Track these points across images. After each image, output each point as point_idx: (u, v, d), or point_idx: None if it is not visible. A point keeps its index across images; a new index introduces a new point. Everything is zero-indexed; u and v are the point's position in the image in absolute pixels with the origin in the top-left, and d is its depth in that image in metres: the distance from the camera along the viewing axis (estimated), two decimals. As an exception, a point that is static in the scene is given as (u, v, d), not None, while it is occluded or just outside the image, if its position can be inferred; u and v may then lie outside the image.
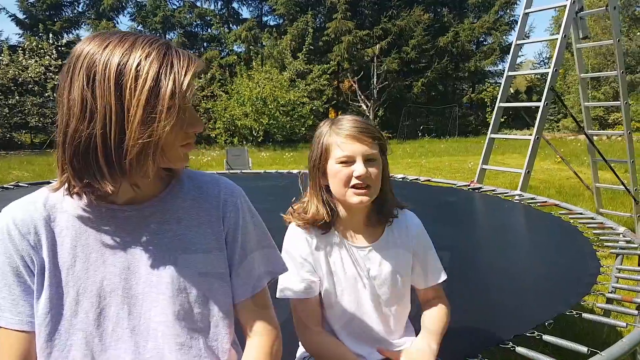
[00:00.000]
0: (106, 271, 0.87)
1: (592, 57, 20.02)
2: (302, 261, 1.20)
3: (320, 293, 1.22)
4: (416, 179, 4.90)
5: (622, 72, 4.22)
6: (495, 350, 1.46)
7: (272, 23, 24.37)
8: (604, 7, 4.22)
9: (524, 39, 4.59)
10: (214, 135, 17.53)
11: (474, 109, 24.37)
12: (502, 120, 22.27)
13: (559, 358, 1.29)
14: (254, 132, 17.18)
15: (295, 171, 5.41)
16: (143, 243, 0.89)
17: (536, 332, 1.50)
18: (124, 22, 42.67)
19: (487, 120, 20.85)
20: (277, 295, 1.20)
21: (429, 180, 4.83)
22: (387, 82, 21.23)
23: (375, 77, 21.17)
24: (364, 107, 21.31)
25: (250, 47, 19.95)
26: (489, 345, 1.47)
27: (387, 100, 21.69)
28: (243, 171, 6.22)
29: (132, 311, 0.88)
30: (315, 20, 22.37)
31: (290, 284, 1.19)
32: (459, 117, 22.33)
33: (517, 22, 21.18)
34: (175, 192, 0.94)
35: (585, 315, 1.62)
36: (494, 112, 4.51)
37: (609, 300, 2.06)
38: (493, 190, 4.15)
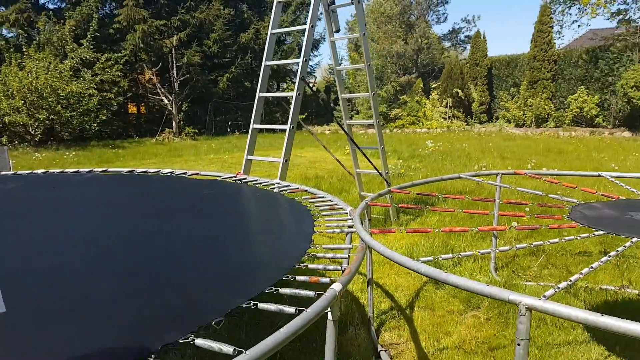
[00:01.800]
0: None
1: (375, 57, 22.31)
2: None
3: None
4: (183, 174, 4.61)
5: (369, 65, 4.55)
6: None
7: (51, 6, 21.36)
8: (350, 0, 4.48)
9: (278, 29, 4.59)
10: (-25, 134, 14.62)
11: (280, 106, 25.13)
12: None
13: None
14: (30, 129, 14.79)
15: (40, 171, 4.63)
16: None
17: (192, 337, 1.30)
18: None
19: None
20: None
21: (196, 174, 4.57)
22: (189, 76, 20.44)
23: (175, 69, 20.18)
24: (166, 100, 20.18)
25: (21, 31, 17.10)
26: (132, 356, 1.22)
27: (191, 94, 20.89)
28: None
29: None
30: (105, 7, 20.32)
31: None
32: (267, 113, 22.78)
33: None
34: None
35: (260, 305, 1.50)
36: (255, 102, 4.44)
37: (304, 284, 2.02)
38: (255, 181, 4.08)
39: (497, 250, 3.74)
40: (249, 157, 4.47)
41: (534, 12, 40.57)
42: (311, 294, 1.64)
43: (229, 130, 21.78)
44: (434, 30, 26.43)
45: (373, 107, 4.75)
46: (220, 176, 4.44)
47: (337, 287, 1.60)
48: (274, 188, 3.72)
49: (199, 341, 1.27)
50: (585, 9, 19.24)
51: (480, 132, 18.92)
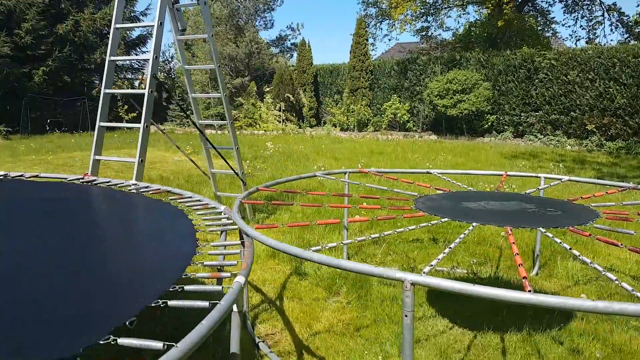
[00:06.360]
0: None
1: (207, 58, 22.02)
2: None
3: None
4: (20, 176, 4.06)
5: (218, 66, 4.59)
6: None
7: None
8: (196, 1, 4.47)
9: (123, 24, 4.34)
10: None
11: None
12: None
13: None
14: None
15: None
16: None
17: (112, 337, 1.28)
18: None
19: (121, 114, 20.19)
20: None
21: (36, 176, 4.08)
22: (-4, 68, 17.51)
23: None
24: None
25: None
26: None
27: (0, 88, 17.97)
28: None
29: None
30: None
31: None
32: (92, 110, 20.78)
33: (138, 18, 20.92)
34: None
35: (170, 302, 1.51)
36: (101, 98, 4.16)
37: (202, 280, 2.05)
38: (108, 182, 3.83)
39: (348, 242, 4.13)
40: (97, 157, 4.16)
41: (351, 24, 44.30)
42: (217, 288, 1.70)
43: (47, 128, 19.28)
44: (262, 36, 27.08)
45: (226, 109, 4.80)
46: (65, 178, 4.04)
47: (241, 279, 1.69)
48: (131, 189, 3.55)
49: (123, 340, 1.26)
50: (395, 24, 21.83)
51: (312, 134, 20.07)
